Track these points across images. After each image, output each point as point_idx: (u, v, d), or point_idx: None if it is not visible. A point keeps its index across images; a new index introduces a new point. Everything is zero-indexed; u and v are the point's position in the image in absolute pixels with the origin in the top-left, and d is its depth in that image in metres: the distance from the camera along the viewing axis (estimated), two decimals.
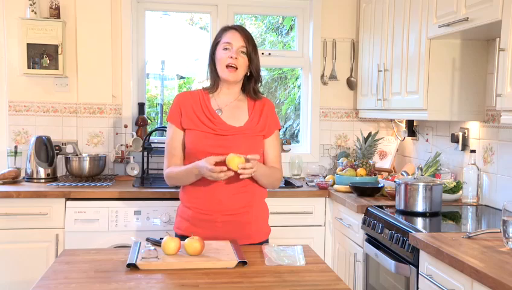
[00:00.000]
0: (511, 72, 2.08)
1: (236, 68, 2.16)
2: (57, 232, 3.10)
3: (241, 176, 2.04)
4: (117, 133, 3.75)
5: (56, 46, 3.54)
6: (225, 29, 2.23)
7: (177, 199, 2.36)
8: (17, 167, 3.50)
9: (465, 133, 3.00)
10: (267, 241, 2.29)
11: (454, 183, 2.91)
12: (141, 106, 3.81)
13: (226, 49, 2.16)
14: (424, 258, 2.08)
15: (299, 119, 4.18)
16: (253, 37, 2.23)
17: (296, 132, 4.52)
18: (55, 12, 3.60)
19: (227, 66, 2.15)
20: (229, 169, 2.02)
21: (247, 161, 2.03)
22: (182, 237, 2.06)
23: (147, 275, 1.70)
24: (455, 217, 2.66)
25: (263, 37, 5.15)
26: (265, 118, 2.25)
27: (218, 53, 2.18)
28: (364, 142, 3.66)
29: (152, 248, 1.83)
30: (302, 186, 3.45)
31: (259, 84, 2.27)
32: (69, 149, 3.58)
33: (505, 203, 1.95)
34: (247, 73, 2.22)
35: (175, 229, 2.30)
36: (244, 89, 2.27)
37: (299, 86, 4.28)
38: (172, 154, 2.23)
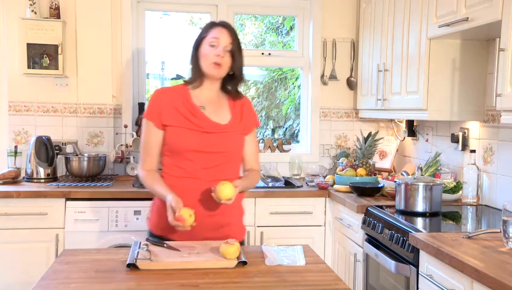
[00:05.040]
0: (511, 72, 2.08)
1: (222, 65, 2.13)
2: (57, 232, 3.10)
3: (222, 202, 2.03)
4: (117, 133, 3.75)
5: (56, 46, 3.54)
6: (212, 25, 2.17)
7: None
8: (17, 167, 3.50)
9: (465, 133, 3.00)
10: (242, 242, 2.23)
11: (454, 183, 2.91)
12: (141, 106, 3.80)
13: (213, 46, 2.11)
14: (424, 258, 2.08)
15: (299, 119, 4.18)
16: (239, 38, 2.19)
17: (296, 131, 4.52)
18: (55, 12, 3.60)
19: (213, 63, 2.12)
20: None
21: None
22: (159, 238, 2.05)
23: (147, 275, 1.70)
24: (455, 217, 2.66)
25: (263, 37, 5.14)
26: (246, 117, 2.24)
27: (204, 48, 2.13)
28: (364, 142, 3.66)
29: (145, 248, 1.83)
30: (302, 186, 3.45)
31: (241, 84, 2.24)
32: (69, 149, 3.58)
33: (505, 203, 1.95)
34: (229, 72, 2.19)
35: (151, 227, 2.21)
36: (224, 87, 2.23)
37: (299, 86, 4.28)
38: (148, 154, 2.17)
